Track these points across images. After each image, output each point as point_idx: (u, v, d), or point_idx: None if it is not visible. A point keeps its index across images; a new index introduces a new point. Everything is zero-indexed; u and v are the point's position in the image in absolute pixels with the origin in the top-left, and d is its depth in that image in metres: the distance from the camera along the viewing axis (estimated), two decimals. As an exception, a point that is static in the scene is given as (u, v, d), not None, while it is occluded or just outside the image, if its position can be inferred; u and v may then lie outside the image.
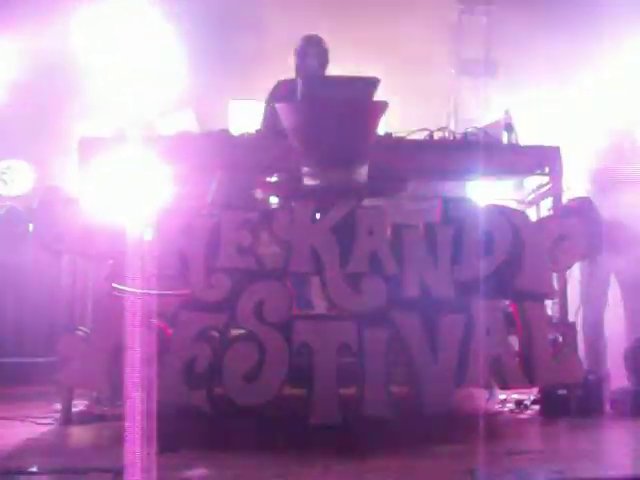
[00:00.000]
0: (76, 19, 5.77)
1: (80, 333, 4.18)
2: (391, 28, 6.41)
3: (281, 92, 4.75)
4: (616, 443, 3.82)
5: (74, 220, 4.08)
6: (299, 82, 4.20)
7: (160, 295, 4.05)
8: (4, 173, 6.48)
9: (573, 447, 3.64)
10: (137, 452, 2.89)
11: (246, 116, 6.88)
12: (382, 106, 4.20)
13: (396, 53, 6.17)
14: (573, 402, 4.23)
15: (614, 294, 4.89)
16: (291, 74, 5.19)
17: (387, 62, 5.49)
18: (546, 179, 4.66)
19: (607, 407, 4.28)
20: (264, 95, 5.24)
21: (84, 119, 6.60)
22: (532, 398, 4.45)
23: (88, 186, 4.42)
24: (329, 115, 4.07)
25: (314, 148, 4.14)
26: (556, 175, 4.53)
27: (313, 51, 5.13)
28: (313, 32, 5.28)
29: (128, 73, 5.42)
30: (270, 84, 5.17)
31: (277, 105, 4.21)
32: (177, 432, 3.63)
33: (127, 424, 3.28)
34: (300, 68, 5.17)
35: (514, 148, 4.60)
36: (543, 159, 4.55)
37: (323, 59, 5.15)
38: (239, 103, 7.06)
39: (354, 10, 6.72)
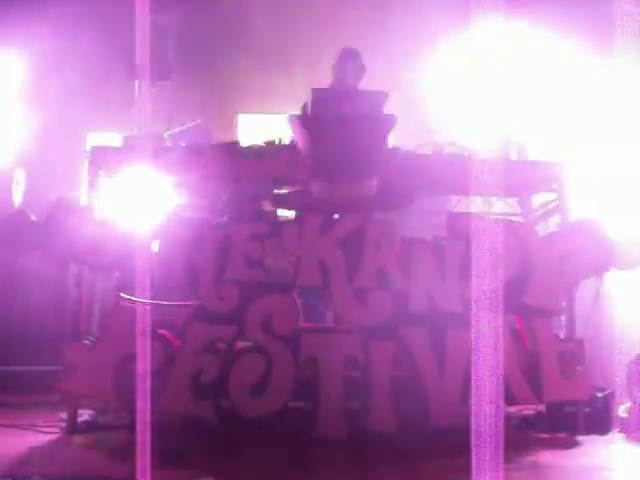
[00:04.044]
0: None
1: (86, 342, 4.19)
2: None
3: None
4: (621, 461, 3.80)
5: (83, 229, 4.10)
6: (309, 96, 4.22)
7: (168, 306, 4.08)
8: (16, 182, 6.50)
9: (580, 464, 3.62)
10: (148, 463, 2.89)
11: (255, 129, 6.95)
12: (391, 120, 4.23)
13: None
14: (580, 419, 4.21)
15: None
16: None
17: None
18: (553, 195, 4.66)
19: (615, 425, 4.25)
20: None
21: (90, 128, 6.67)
22: (539, 414, 4.42)
23: (97, 195, 4.45)
24: (339, 128, 4.10)
25: (324, 161, 4.17)
26: (564, 191, 4.53)
27: (351, 66, 5.04)
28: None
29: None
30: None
31: (288, 118, 4.24)
32: (184, 443, 3.63)
33: (139, 435, 3.28)
34: (337, 82, 5.07)
35: (522, 164, 4.61)
36: (551, 175, 4.56)
37: (359, 75, 5.07)
38: (248, 117, 7.13)
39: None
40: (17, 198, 6.45)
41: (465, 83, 5.41)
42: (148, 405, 3.59)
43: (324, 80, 5.10)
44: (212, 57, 6.72)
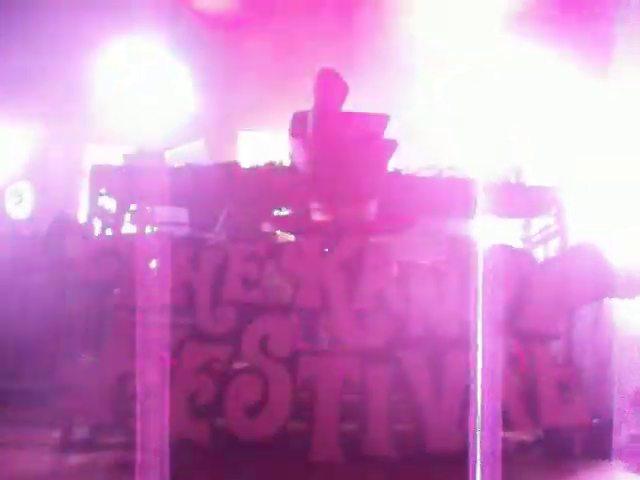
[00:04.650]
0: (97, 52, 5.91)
1: (83, 361, 4.18)
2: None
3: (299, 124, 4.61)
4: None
5: (83, 247, 4.10)
6: (310, 117, 4.23)
7: (165, 325, 4.06)
8: (18, 195, 6.54)
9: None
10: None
11: (255, 147, 6.99)
12: (392, 144, 4.24)
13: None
14: (578, 445, 4.18)
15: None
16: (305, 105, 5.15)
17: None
18: (552, 219, 4.67)
19: (614, 451, 4.21)
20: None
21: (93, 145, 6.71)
22: (536, 439, 4.40)
23: (97, 212, 4.46)
24: (340, 151, 4.11)
25: (324, 183, 4.18)
26: (563, 216, 4.54)
27: (332, 84, 5.00)
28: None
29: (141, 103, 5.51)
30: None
31: (289, 139, 4.25)
32: (180, 463, 3.60)
33: (140, 455, 3.27)
34: (318, 102, 5.06)
35: (520, 189, 4.61)
36: (550, 200, 4.56)
37: (342, 92, 5.04)
38: (248, 134, 7.16)
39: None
40: (21, 211, 6.48)
41: (464, 105, 5.42)
42: (148, 425, 3.59)
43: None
44: (213, 75, 6.73)
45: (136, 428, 3.84)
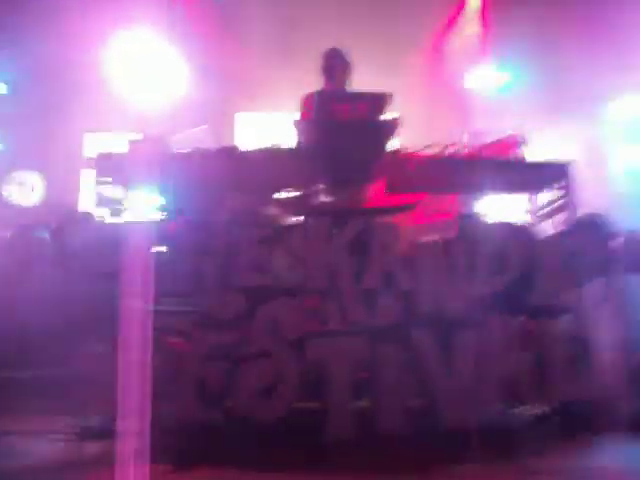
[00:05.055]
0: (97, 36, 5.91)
1: (96, 349, 4.19)
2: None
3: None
4: (634, 462, 3.78)
5: (89, 238, 4.11)
6: (314, 99, 4.21)
7: (175, 312, 4.08)
8: (22, 184, 6.56)
9: (591, 466, 3.62)
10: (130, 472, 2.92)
11: (253, 128, 6.99)
12: (395, 122, 4.22)
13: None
14: (592, 418, 4.20)
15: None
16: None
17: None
18: (560, 193, 4.66)
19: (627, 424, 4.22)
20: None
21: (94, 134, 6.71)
22: (551, 413, 4.42)
23: (102, 201, 4.47)
24: (343, 132, 4.09)
25: (329, 165, 4.16)
26: (569, 190, 4.53)
27: (338, 64, 5.00)
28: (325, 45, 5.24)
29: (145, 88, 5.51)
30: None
31: (293, 122, 4.23)
32: (191, 448, 3.64)
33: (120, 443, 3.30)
34: (325, 80, 5.06)
35: (527, 164, 4.60)
36: (555, 175, 4.55)
37: (347, 72, 5.05)
38: (245, 115, 7.16)
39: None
40: (28, 200, 6.50)
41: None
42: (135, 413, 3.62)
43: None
44: (210, 59, 6.68)
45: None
